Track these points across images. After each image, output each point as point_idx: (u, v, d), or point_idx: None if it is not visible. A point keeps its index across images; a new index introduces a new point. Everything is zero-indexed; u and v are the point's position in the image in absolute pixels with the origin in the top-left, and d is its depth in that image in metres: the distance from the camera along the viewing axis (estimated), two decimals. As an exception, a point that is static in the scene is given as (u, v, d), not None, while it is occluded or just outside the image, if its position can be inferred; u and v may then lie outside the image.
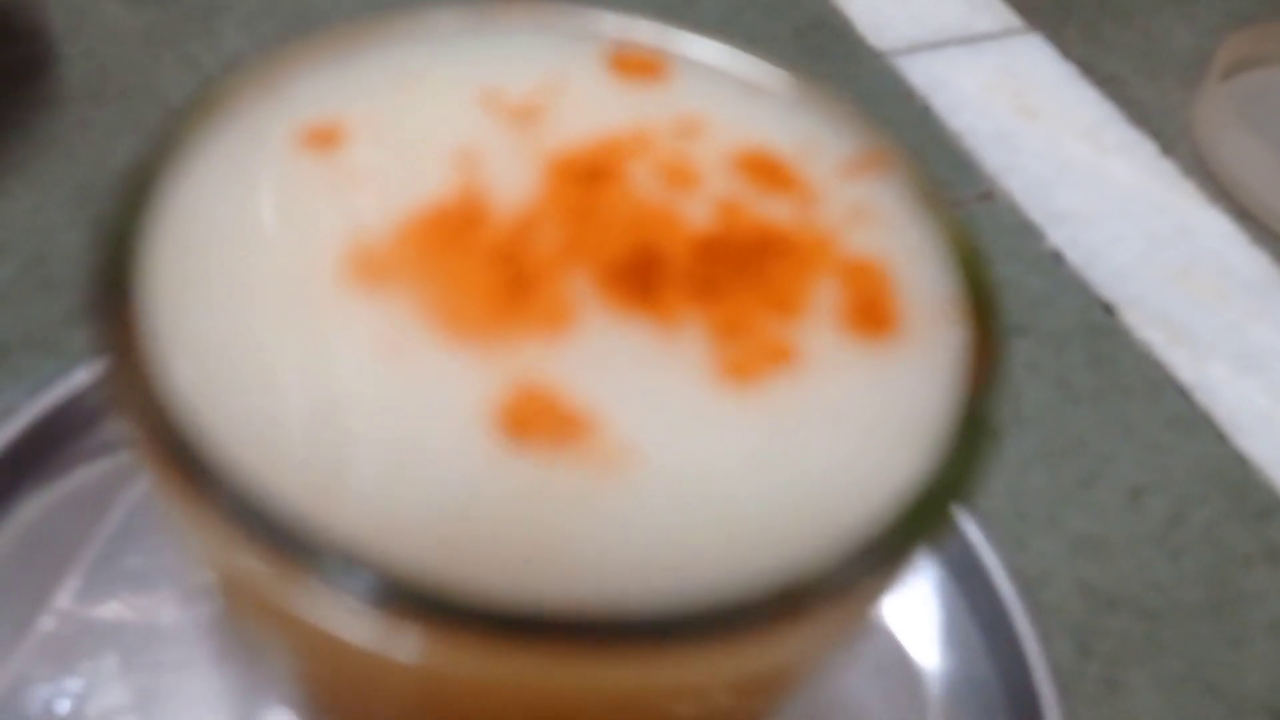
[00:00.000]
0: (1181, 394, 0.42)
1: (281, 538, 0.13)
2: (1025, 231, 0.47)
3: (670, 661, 0.12)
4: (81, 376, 0.33)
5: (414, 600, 0.13)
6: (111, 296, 0.14)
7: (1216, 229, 0.48)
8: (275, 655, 0.19)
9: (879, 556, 0.13)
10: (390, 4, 0.52)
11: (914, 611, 0.34)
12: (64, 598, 0.32)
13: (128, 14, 0.48)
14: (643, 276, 0.15)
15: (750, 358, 0.15)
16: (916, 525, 0.13)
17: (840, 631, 0.15)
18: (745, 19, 0.55)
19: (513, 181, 0.16)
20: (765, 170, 0.17)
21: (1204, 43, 0.56)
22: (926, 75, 0.53)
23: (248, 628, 0.19)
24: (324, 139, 0.16)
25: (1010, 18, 0.57)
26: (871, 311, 0.15)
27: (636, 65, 0.18)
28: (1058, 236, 0.47)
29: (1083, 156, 0.50)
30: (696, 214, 0.16)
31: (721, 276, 0.15)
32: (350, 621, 0.14)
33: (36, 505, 0.32)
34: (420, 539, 0.13)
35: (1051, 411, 0.41)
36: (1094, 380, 0.42)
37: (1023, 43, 0.56)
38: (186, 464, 0.13)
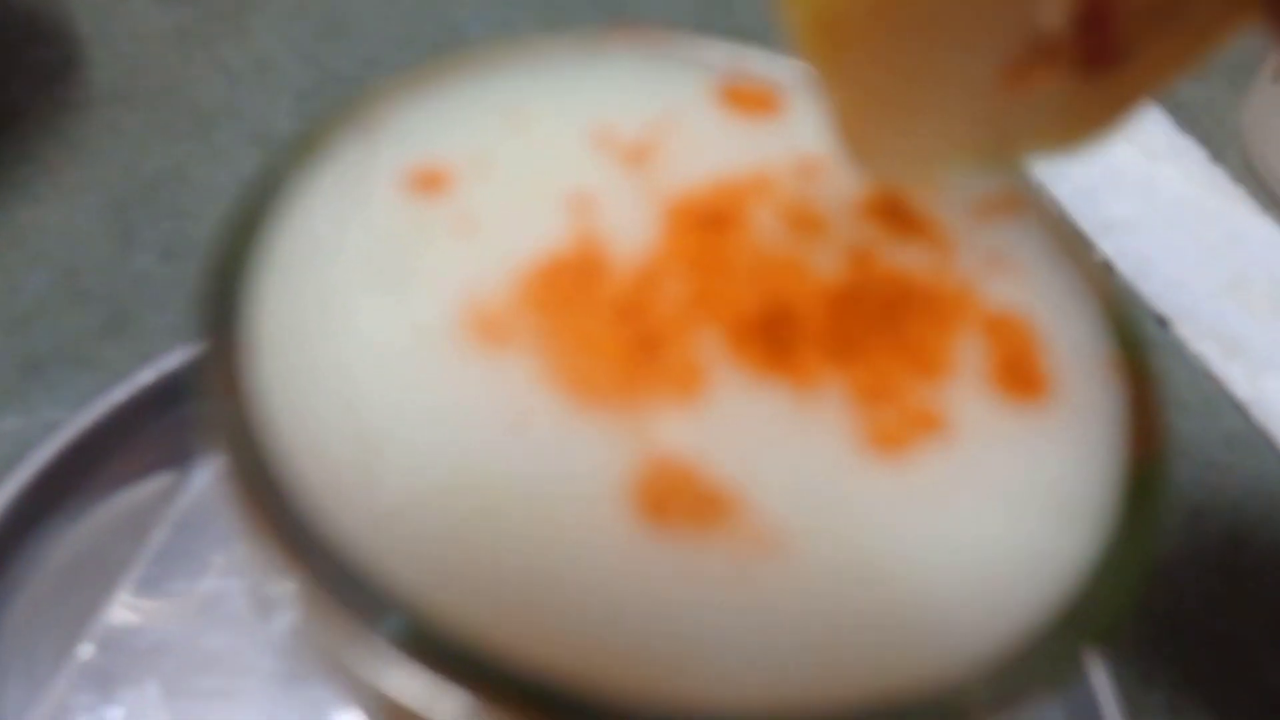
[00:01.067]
0: (1238, 410, 0.41)
1: (377, 619, 0.12)
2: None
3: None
4: (119, 394, 0.33)
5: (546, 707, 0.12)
6: (219, 342, 0.13)
7: (1269, 238, 0.47)
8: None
9: (1055, 657, 0.12)
10: (425, 10, 0.51)
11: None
12: (104, 623, 0.31)
13: (156, 14, 0.46)
14: (776, 334, 0.14)
15: (898, 425, 0.13)
16: (1096, 614, 0.12)
17: None
18: (782, 25, 0.54)
19: (630, 229, 0.15)
20: (894, 214, 0.16)
21: (1251, 44, 0.55)
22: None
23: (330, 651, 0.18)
24: (430, 182, 0.15)
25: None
26: (1019, 371, 0.14)
27: (749, 99, 0.17)
28: (1108, 246, 0.46)
29: (1131, 162, 0.49)
30: (826, 264, 0.15)
31: (859, 333, 0.14)
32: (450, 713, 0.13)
33: (76, 527, 0.31)
34: (550, 630, 0.12)
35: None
36: (1149, 396, 0.41)
37: (1066, 44, 0.55)
38: (300, 552, 0.12)
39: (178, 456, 0.32)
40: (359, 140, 0.16)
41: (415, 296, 0.14)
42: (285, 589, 0.14)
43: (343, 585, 0.13)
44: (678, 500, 0.13)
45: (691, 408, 0.13)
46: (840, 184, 0.16)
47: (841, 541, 0.13)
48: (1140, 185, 0.49)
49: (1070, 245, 0.16)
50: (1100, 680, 0.32)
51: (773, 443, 0.13)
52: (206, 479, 0.32)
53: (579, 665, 0.12)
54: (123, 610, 0.31)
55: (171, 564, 0.32)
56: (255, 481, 0.13)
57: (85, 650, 0.30)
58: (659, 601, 0.12)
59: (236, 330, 0.14)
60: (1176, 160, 0.50)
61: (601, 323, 0.14)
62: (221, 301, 0.14)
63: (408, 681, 0.13)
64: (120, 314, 0.38)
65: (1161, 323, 0.44)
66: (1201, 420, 0.41)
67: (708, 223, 0.15)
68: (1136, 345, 0.15)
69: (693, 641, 0.12)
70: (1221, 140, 0.50)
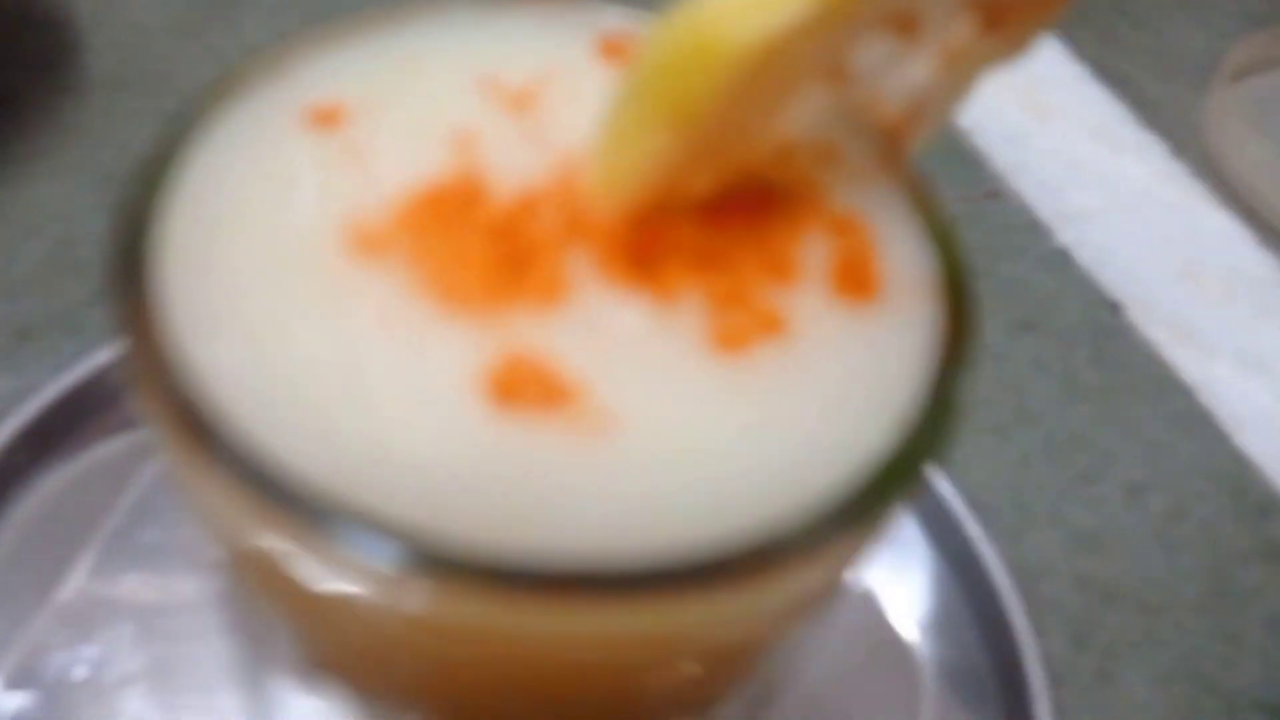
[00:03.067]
0: (1185, 392, 0.43)
1: (293, 506, 0.14)
2: (1034, 229, 0.48)
3: (648, 611, 0.13)
4: (102, 355, 0.34)
5: (420, 559, 0.13)
6: (128, 274, 0.15)
7: (1225, 230, 0.49)
8: (283, 624, 0.20)
9: (845, 520, 0.14)
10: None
11: (911, 601, 0.35)
12: (82, 570, 0.33)
13: (152, 4, 0.49)
14: (645, 252, 0.16)
15: (744, 328, 0.15)
16: (881, 494, 0.14)
17: (807, 595, 0.15)
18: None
19: (510, 164, 0.17)
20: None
21: (1217, 46, 0.56)
22: (939, 74, 0.53)
23: (257, 599, 0.19)
24: (327, 118, 0.17)
25: (1025, 18, 0.57)
26: (856, 275, 0.16)
27: (624, 52, 0.19)
28: (1067, 235, 0.48)
29: (1094, 156, 0.51)
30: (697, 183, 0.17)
31: (725, 242, 0.16)
32: (360, 582, 0.14)
33: (57, 480, 0.33)
34: (417, 497, 0.14)
35: (1055, 408, 0.42)
36: (1098, 378, 0.43)
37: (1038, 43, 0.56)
38: (201, 438, 0.14)
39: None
40: (269, 83, 0.18)
41: (304, 218, 0.16)
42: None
43: (233, 460, 0.14)
44: (525, 387, 0.14)
45: (552, 313, 0.15)
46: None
47: (671, 427, 0.14)
48: (1102, 178, 0.50)
49: (896, 157, 0.18)
50: (1027, 642, 0.33)
51: (624, 343, 0.15)
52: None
53: (439, 524, 0.14)
54: (99, 558, 0.32)
55: (147, 516, 0.33)
56: (156, 375, 0.15)
57: (63, 594, 0.32)
58: (505, 470, 0.14)
59: (145, 266, 0.15)
60: (1138, 155, 0.51)
61: (477, 241, 0.16)
62: (134, 225, 0.15)
63: (321, 565, 0.14)
64: (108, 285, 0.40)
65: (1115, 308, 0.45)
66: (1148, 402, 0.42)
67: (583, 159, 0.17)
68: (957, 263, 0.17)
69: (530, 506, 0.14)
70: (1183, 136, 0.52)
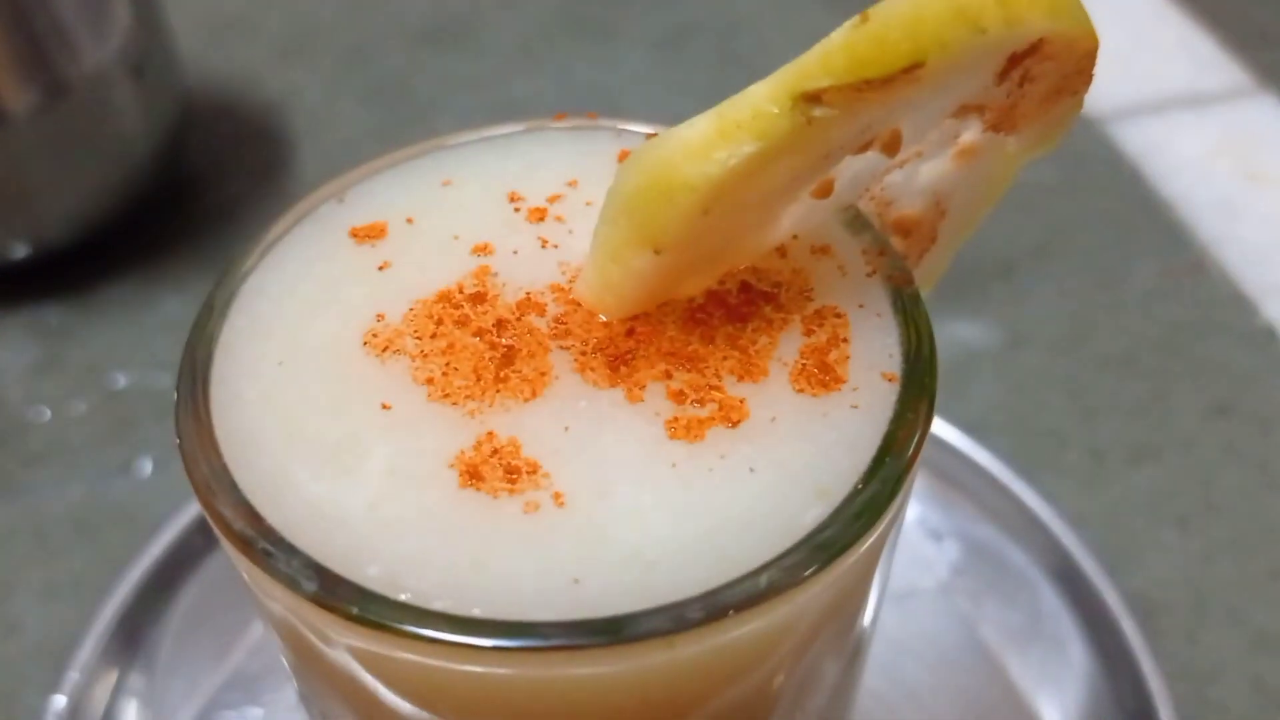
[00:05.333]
0: None
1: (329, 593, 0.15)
2: (1237, 304, 0.44)
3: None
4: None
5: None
6: (193, 349, 0.18)
7: None
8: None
9: (749, 586, 0.14)
10: (594, 95, 0.55)
11: (1062, 701, 0.33)
12: (251, 641, 0.36)
13: (360, 114, 0.53)
14: (625, 351, 0.17)
15: (699, 420, 0.16)
16: (799, 573, 0.14)
17: (745, 641, 0.16)
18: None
19: (520, 271, 0.18)
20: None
21: None
22: (1141, 140, 0.51)
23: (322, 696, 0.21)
24: (369, 233, 0.19)
25: (1241, 77, 0.53)
26: (822, 368, 0.16)
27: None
28: (1274, 310, 0.44)
29: (1311, 223, 0.47)
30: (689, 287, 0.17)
31: (699, 344, 0.17)
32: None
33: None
34: (398, 556, 0.15)
35: (1247, 498, 0.38)
36: (1303, 466, 0.39)
37: (1254, 104, 0.52)
38: (248, 544, 0.16)
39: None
40: (332, 204, 0.20)
41: (336, 313, 0.18)
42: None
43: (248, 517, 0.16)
44: (489, 470, 0.16)
45: (528, 407, 0.16)
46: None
47: (614, 505, 0.15)
48: (1319, 246, 0.46)
49: (889, 256, 0.18)
50: None
51: (586, 432, 0.16)
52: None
53: (411, 574, 0.15)
54: (266, 629, 0.35)
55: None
56: (204, 461, 0.16)
57: (234, 660, 0.35)
58: (467, 534, 0.15)
59: (209, 353, 0.18)
60: (1366, 219, 0.47)
61: (471, 341, 0.17)
62: (200, 333, 0.18)
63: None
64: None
65: (1327, 390, 0.41)
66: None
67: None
68: (926, 363, 0.16)
69: (482, 562, 0.15)
70: None
